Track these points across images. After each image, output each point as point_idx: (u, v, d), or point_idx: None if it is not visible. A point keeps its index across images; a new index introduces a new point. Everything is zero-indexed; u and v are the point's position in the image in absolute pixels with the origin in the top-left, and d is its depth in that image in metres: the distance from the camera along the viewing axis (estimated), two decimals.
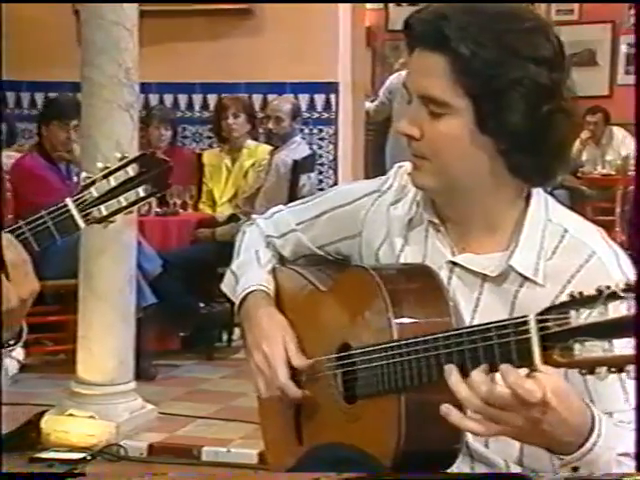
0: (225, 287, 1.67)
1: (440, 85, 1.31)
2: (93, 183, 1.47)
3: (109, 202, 1.47)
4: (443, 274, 1.39)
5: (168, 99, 5.63)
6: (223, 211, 5.03)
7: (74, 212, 1.45)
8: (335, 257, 1.60)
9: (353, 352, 1.38)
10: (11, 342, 1.48)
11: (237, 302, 1.60)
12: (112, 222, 1.50)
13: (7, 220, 4.06)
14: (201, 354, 4.62)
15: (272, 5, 5.28)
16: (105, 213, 1.47)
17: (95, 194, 1.46)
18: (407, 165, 1.48)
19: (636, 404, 1.15)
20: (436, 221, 1.43)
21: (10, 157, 4.70)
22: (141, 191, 1.48)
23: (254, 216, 1.73)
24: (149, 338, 4.21)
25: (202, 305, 4.57)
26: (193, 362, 4.54)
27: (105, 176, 1.47)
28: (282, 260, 1.65)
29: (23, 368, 2.67)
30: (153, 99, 5.46)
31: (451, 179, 1.36)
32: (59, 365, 4.25)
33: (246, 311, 1.57)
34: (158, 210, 4.65)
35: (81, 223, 1.46)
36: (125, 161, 1.47)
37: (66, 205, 1.45)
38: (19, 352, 1.55)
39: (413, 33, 1.35)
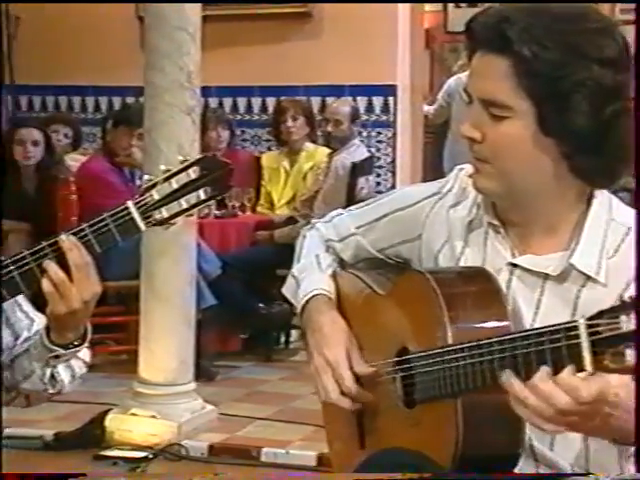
0: (286, 291, 1.68)
1: (502, 88, 1.30)
2: (154, 186, 1.48)
3: (170, 204, 1.48)
4: (503, 276, 1.38)
5: (227, 102, 5.69)
6: (281, 213, 5.05)
7: (135, 214, 1.46)
8: (395, 260, 1.59)
9: (411, 356, 1.38)
10: (76, 343, 1.51)
11: (299, 307, 1.60)
12: (173, 224, 1.51)
13: (71, 222, 4.14)
14: (260, 355, 4.64)
15: (331, 8, 5.30)
16: (166, 215, 1.49)
17: (156, 196, 1.48)
18: (467, 168, 1.47)
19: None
20: (496, 223, 1.42)
21: (75, 160, 4.79)
22: (202, 193, 1.49)
23: (314, 220, 1.73)
24: (209, 339, 4.25)
25: (261, 306, 4.59)
26: (252, 363, 4.56)
27: (167, 179, 1.48)
28: (342, 264, 1.65)
29: (87, 367, 2.72)
30: (212, 102, 5.51)
31: (513, 182, 1.35)
32: (121, 365, 4.32)
33: (308, 316, 1.57)
34: (217, 212, 4.70)
35: (142, 225, 1.47)
36: (186, 164, 1.49)
37: (127, 207, 1.47)
38: (85, 353, 1.58)
39: (475, 35, 1.34)
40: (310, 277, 1.61)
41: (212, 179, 1.49)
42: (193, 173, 1.48)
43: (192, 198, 1.49)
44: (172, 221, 1.50)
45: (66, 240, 1.43)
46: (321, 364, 1.49)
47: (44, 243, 1.44)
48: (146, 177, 1.50)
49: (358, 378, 1.48)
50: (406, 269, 1.53)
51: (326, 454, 2.97)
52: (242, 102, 5.69)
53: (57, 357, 1.51)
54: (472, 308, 1.32)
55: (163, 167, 1.50)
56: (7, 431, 3.26)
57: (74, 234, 1.45)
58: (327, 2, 5.28)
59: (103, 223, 1.46)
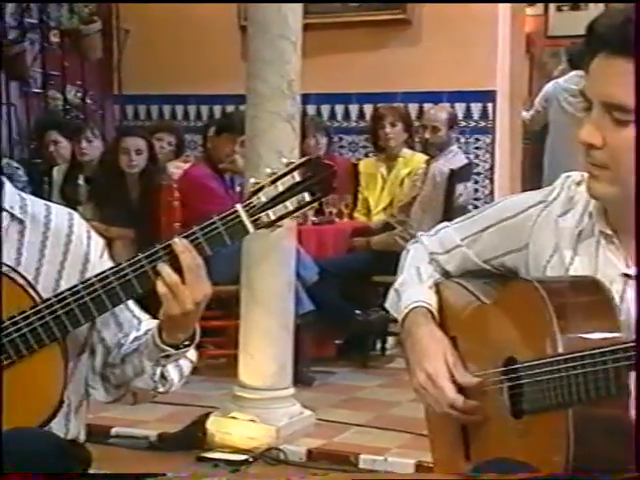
0: (389, 305, 1.68)
1: (627, 91, 1.26)
2: (261, 189, 1.51)
3: (276, 207, 1.51)
4: (616, 287, 1.34)
5: (325, 109, 5.73)
6: (378, 219, 5.05)
7: (244, 217, 1.49)
8: (500, 271, 1.57)
9: (519, 366, 1.36)
10: (186, 343, 1.55)
11: (400, 319, 1.60)
12: (279, 227, 1.54)
13: (174, 228, 4.23)
14: (356, 362, 4.64)
15: (430, 15, 5.29)
16: (273, 218, 1.51)
17: (263, 199, 1.50)
18: (575, 175, 1.44)
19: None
20: (609, 232, 1.38)
21: (178, 167, 4.90)
22: (307, 196, 1.51)
23: (419, 234, 1.73)
24: (306, 345, 4.27)
25: (358, 313, 4.59)
26: (348, 370, 4.56)
27: (273, 182, 1.51)
28: (446, 276, 1.64)
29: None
30: (311, 109, 5.56)
31: (631, 188, 1.31)
32: (221, 369, 4.38)
33: (407, 329, 1.57)
34: (315, 219, 4.73)
35: (250, 228, 1.50)
36: (292, 166, 1.51)
37: (236, 211, 1.49)
38: (192, 353, 1.61)
39: (598, 37, 1.31)
40: (410, 290, 1.61)
41: (316, 181, 1.50)
42: (298, 176, 1.51)
43: (297, 200, 1.51)
44: (279, 223, 1.53)
45: (179, 243, 1.46)
46: (423, 377, 1.49)
47: (158, 246, 1.48)
48: (252, 180, 1.53)
49: (462, 389, 1.47)
50: (513, 278, 1.51)
51: (424, 462, 2.97)
52: (340, 109, 5.73)
53: (168, 357, 1.55)
54: (583, 318, 1.30)
55: (268, 170, 1.53)
56: (114, 430, 3.37)
57: (186, 237, 1.49)
58: (426, 2, 5.26)
59: (213, 226, 1.49)
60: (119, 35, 6.00)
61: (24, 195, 1.64)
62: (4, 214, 1.58)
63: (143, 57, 5.86)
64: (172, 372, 1.60)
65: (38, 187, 4.83)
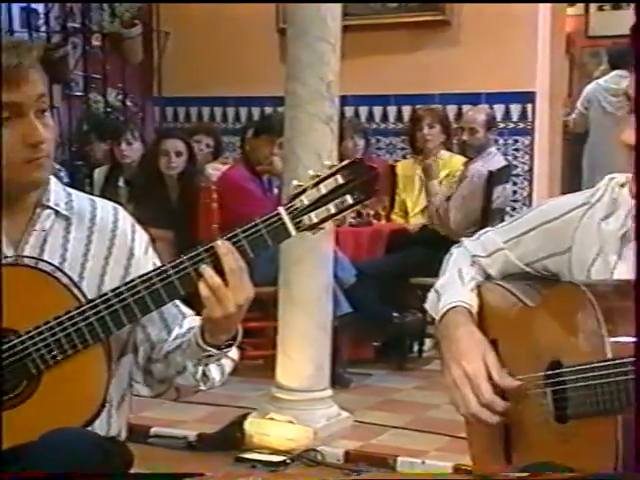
0: (428, 306, 1.68)
1: None
2: (304, 191, 1.51)
3: (319, 209, 1.51)
4: None
5: (363, 111, 5.73)
6: (415, 222, 5.03)
7: (286, 220, 1.50)
8: (542, 274, 1.56)
9: (564, 370, 1.34)
10: (228, 343, 1.56)
11: (437, 318, 1.60)
12: (322, 229, 1.54)
13: (213, 230, 4.25)
14: (393, 364, 4.63)
15: (470, 15, 5.26)
16: (315, 220, 1.51)
17: (306, 202, 1.50)
18: (619, 177, 1.43)
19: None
20: None
21: (216, 169, 4.93)
22: (349, 198, 1.51)
23: (462, 238, 1.73)
24: (344, 346, 4.27)
25: (395, 315, 4.58)
26: (385, 372, 4.55)
27: (315, 184, 1.51)
28: (488, 279, 1.64)
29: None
30: (348, 111, 5.56)
31: None
32: (258, 370, 4.39)
33: (444, 328, 1.57)
34: (352, 221, 4.72)
35: (292, 230, 1.51)
36: (334, 169, 1.51)
37: (279, 213, 1.50)
38: (234, 352, 1.62)
39: None
40: (450, 290, 1.61)
41: (359, 184, 1.50)
42: (341, 178, 1.51)
43: (340, 203, 1.51)
44: (320, 226, 1.53)
45: (222, 245, 1.47)
46: (459, 376, 1.48)
47: (200, 248, 1.49)
48: (295, 182, 1.53)
49: (502, 391, 1.46)
50: (557, 281, 1.50)
51: (462, 465, 2.95)
52: (378, 111, 5.72)
53: (210, 357, 1.56)
54: (631, 323, 1.28)
55: (311, 173, 1.53)
56: (153, 430, 3.40)
57: (228, 239, 1.49)
58: (466, 2, 5.23)
59: (256, 228, 1.50)
60: (159, 38, 6.06)
61: (70, 190, 1.66)
62: (49, 212, 1.59)
63: (183, 59, 5.91)
64: (214, 371, 1.62)
65: (80, 189, 4.87)
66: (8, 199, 1.55)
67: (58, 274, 1.51)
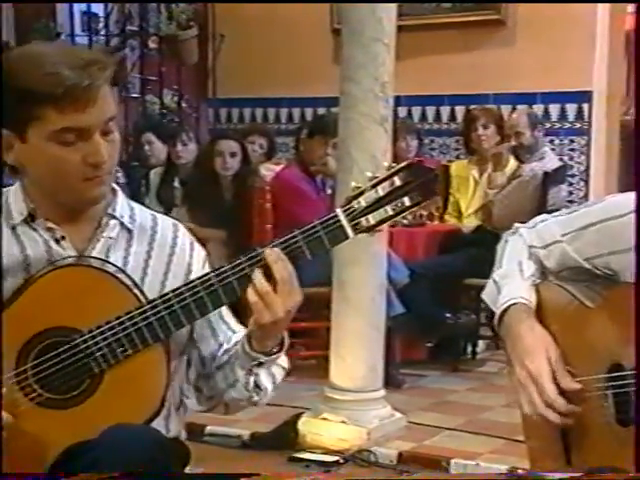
0: (486, 296, 1.65)
1: None
2: (362, 193, 1.51)
3: (377, 211, 1.51)
4: None
5: (416, 111, 5.71)
6: (469, 222, 5.00)
7: (344, 222, 1.50)
8: (603, 272, 1.53)
9: (626, 373, 1.32)
10: (275, 350, 1.56)
11: (497, 314, 1.58)
12: (379, 231, 1.54)
13: (266, 230, 4.28)
14: (446, 365, 4.61)
15: (524, 15, 5.22)
16: (372, 222, 1.51)
17: (363, 204, 1.50)
18: None
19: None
20: None
21: (269, 170, 4.95)
22: (407, 200, 1.50)
23: (517, 225, 1.70)
24: (396, 347, 4.26)
25: (448, 316, 4.55)
26: (438, 373, 4.53)
27: (373, 186, 1.51)
28: (545, 271, 1.61)
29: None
30: (401, 111, 5.54)
31: None
32: (311, 370, 4.40)
33: (507, 324, 1.55)
34: (405, 221, 4.70)
35: (350, 232, 1.51)
36: (392, 170, 1.50)
37: (337, 215, 1.50)
38: (284, 359, 1.62)
39: None
40: (511, 284, 1.58)
41: (417, 185, 1.50)
42: (398, 180, 1.50)
43: (397, 205, 1.51)
44: (378, 228, 1.53)
45: (272, 253, 1.48)
46: (524, 376, 1.46)
47: (256, 251, 1.50)
48: (353, 184, 1.53)
49: (563, 392, 1.44)
50: (618, 282, 1.48)
51: (518, 469, 2.92)
52: (431, 111, 5.70)
53: (260, 364, 1.56)
54: None
55: (369, 174, 1.53)
56: (208, 428, 3.43)
57: (286, 241, 1.50)
58: (521, 1, 5.18)
59: (314, 230, 1.50)
60: (214, 40, 6.12)
61: (133, 204, 1.68)
62: (115, 222, 1.62)
63: (237, 61, 5.96)
64: (265, 380, 1.60)
65: (136, 190, 4.94)
66: (72, 210, 1.58)
67: (122, 276, 1.54)
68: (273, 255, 1.47)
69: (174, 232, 1.67)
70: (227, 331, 1.67)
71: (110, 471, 1.37)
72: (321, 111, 5.52)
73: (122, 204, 1.64)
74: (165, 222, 1.68)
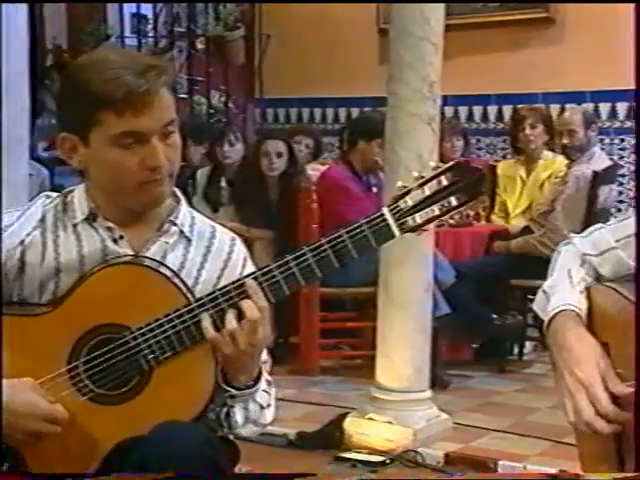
0: (536, 306, 1.64)
1: None
2: (408, 192, 1.51)
3: (423, 211, 1.51)
4: None
5: (463, 111, 5.68)
6: (516, 223, 4.95)
7: (390, 221, 1.50)
8: None
9: None
10: (248, 385, 1.59)
11: (546, 322, 1.57)
12: (425, 231, 1.54)
13: (312, 230, 4.29)
14: (492, 366, 4.57)
15: (574, 12, 5.16)
16: (419, 222, 1.51)
17: (410, 203, 1.50)
18: None
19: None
20: None
21: (315, 169, 4.96)
22: (454, 200, 1.50)
23: (571, 235, 1.69)
24: (442, 348, 4.25)
25: (495, 317, 4.52)
26: (484, 374, 4.50)
27: (420, 185, 1.51)
28: (599, 279, 1.60)
29: (325, 370, 2.69)
30: (448, 111, 5.52)
31: None
32: (356, 369, 4.41)
33: (554, 332, 1.53)
34: (452, 221, 4.68)
35: (396, 232, 1.51)
36: (439, 170, 1.50)
37: (383, 214, 1.50)
38: (263, 397, 1.63)
39: None
40: (560, 292, 1.57)
41: (464, 185, 1.50)
42: (445, 179, 1.50)
43: (444, 204, 1.51)
44: (424, 227, 1.53)
45: (251, 285, 1.50)
46: (573, 384, 1.45)
47: (305, 248, 1.52)
48: (399, 184, 1.53)
49: (615, 397, 1.42)
50: None
51: (567, 471, 2.88)
52: (478, 110, 5.67)
53: (232, 397, 1.56)
54: None
55: (415, 174, 1.53)
56: None
57: (332, 240, 1.51)
58: (570, 2, 5.13)
59: (360, 229, 1.51)
60: (261, 40, 6.16)
61: (195, 214, 1.70)
62: (175, 229, 1.64)
63: (283, 61, 5.99)
64: (237, 413, 1.59)
65: (183, 190, 4.98)
66: (132, 212, 1.61)
67: (176, 280, 1.56)
68: (252, 288, 1.49)
69: (230, 246, 1.69)
70: None
71: (160, 467, 1.39)
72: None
73: (184, 212, 1.67)
74: (223, 235, 1.70)
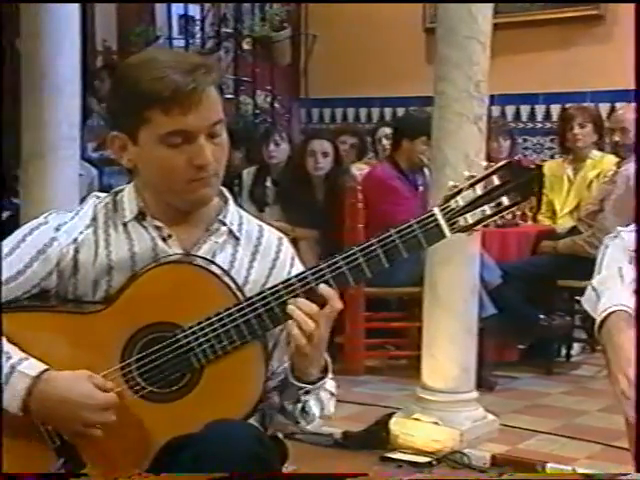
0: (585, 303, 1.63)
1: None
2: (459, 192, 1.50)
3: (474, 211, 1.50)
4: None
5: (510, 110, 5.63)
6: (563, 223, 4.90)
7: (441, 221, 1.50)
8: None
9: None
10: (319, 377, 1.61)
11: (597, 322, 1.55)
12: (476, 231, 1.53)
13: (358, 230, 4.29)
14: (539, 367, 4.53)
15: (625, 9, 5.08)
16: (470, 222, 1.51)
17: (461, 203, 1.50)
18: None
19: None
20: None
21: (360, 169, 4.96)
22: (505, 200, 1.49)
23: (619, 228, 1.67)
24: (488, 348, 4.22)
25: (541, 317, 4.48)
26: (531, 375, 4.46)
27: (471, 185, 1.50)
28: None
29: (370, 370, 2.66)
30: (495, 111, 5.48)
31: None
32: (401, 369, 4.40)
33: (607, 333, 1.52)
34: (498, 221, 4.64)
35: (447, 232, 1.50)
36: (491, 170, 1.50)
37: (433, 214, 1.50)
38: (331, 385, 1.64)
39: None
40: (611, 291, 1.55)
41: (517, 185, 1.49)
42: (497, 179, 1.49)
43: (496, 205, 1.50)
44: (475, 227, 1.52)
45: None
46: (625, 386, 1.43)
47: (355, 248, 1.52)
48: (451, 183, 1.53)
49: None
50: None
51: (618, 474, 2.85)
52: (525, 110, 5.62)
53: (306, 393, 1.58)
54: None
55: (467, 173, 1.52)
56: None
57: (382, 239, 1.50)
58: (620, 2, 5.06)
59: (410, 229, 1.50)
60: (307, 40, 6.18)
61: (242, 213, 1.71)
62: (224, 229, 1.65)
63: (329, 61, 6.00)
64: (313, 407, 1.61)
65: (229, 190, 5.01)
66: (180, 211, 1.62)
67: (226, 278, 1.57)
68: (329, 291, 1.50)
69: (278, 245, 1.69)
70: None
71: (213, 466, 1.40)
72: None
73: (232, 212, 1.68)
74: (271, 234, 1.71)
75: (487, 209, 1.49)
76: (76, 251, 1.60)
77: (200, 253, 1.62)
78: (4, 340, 1.52)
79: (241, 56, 5.98)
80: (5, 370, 1.49)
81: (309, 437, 3.35)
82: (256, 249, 1.66)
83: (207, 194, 1.60)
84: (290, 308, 1.50)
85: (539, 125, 5.60)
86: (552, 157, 5.43)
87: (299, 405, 1.60)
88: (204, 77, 1.51)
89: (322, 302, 1.50)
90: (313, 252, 4.41)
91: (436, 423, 3.33)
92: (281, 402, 1.61)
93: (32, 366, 1.50)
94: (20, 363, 1.50)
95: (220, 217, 1.65)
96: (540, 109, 5.58)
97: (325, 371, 1.59)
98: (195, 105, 1.51)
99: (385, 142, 5.24)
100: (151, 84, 1.50)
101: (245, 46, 6.03)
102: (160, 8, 6.07)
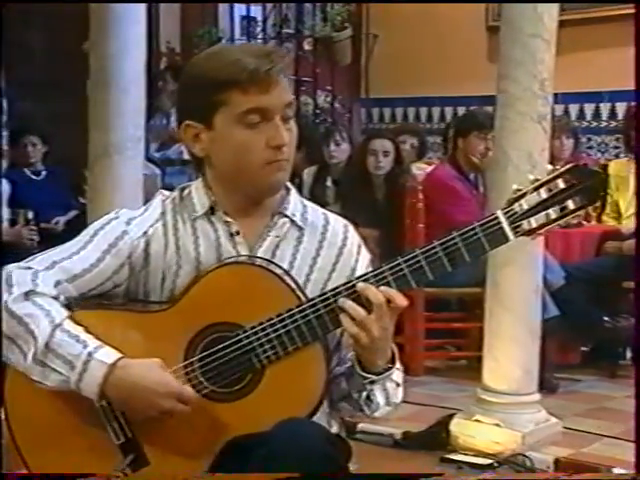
0: None
1: None
2: (524, 195, 1.49)
3: (539, 214, 1.49)
4: None
5: (573, 109, 5.55)
6: (629, 224, 4.80)
7: (504, 224, 1.49)
8: None
9: None
10: (386, 367, 1.62)
11: None
12: (540, 235, 1.51)
13: (418, 230, 4.27)
14: (603, 370, 4.46)
15: None
16: (534, 225, 1.49)
17: (525, 206, 1.49)
18: None
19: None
20: None
21: (420, 169, 4.94)
22: (571, 203, 1.48)
23: None
24: (551, 350, 4.16)
25: (606, 319, 4.41)
26: (594, 378, 4.40)
27: (535, 188, 1.49)
28: None
29: (429, 371, 2.64)
30: (558, 109, 5.40)
31: None
32: (461, 370, 4.38)
33: None
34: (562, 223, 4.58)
35: (510, 235, 1.50)
36: (556, 173, 1.48)
37: (497, 217, 1.49)
38: (398, 375, 1.64)
39: None
40: None
41: (582, 189, 1.47)
42: (562, 182, 1.48)
43: (560, 208, 1.48)
44: (540, 231, 1.51)
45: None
46: None
47: (417, 250, 1.52)
48: (514, 187, 1.52)
49: None
50: None
51: None
52: (589, 108, 5.52)
53: (372, 382, 1.58)
54: None
55: (531, 177, 1.51)
56: (360, 426, 3.45)
57: (444, 243, 1.50)
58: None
59: (472, 232, 1.50)
60: (368, 40, 6.17)
61: (306, 202, 1.73)
62: (285, 220, 1.66)
63: (390, 61, 5.99)
64: (378, 396, 1.62)
65: None
66: (250, 202, 1.64)
67: (287, 278, 1.58)
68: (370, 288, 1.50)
69: (344, 233, 1.70)
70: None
71: (284, 465, 1.41)
72: None
73: (294, 202, 1.69)
74: (337, 222, 1.71)
75: (552, 213, 1.48)
76: (147, 244, 1.63)
77: (263, 248, 1.63)
78: (81, 329, 1.55)
79: (302, 56, 6.01)
80: (83, 357, 1.51)
81: (369, 437, 3.35)
82: (323, 237, 1.67)
83: (281, 178, 1.62)
84: (344, 303, 1.51)
85: (604, 124, 5.50)
86: (617, 157, 5.33)
87: (364, 394, 1.60)
88: (278, 59, 1.56)
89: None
90: (374, 252, 4.41)
91: (497, 425, 3.30)
92: (348, 390, 1.62)
93: (108, 354, 1.53)
94: (96, 351, 1.52)
95: (280, 209, 1.66)
96: (605, 107, 5.48)
97: (392, 362, 1.59)
98: (273, 85, 1.55)
99: None
100: (226, 68, 1.54)
101: (306, 46, 6.05)
102: (223, 10, 6.13)
